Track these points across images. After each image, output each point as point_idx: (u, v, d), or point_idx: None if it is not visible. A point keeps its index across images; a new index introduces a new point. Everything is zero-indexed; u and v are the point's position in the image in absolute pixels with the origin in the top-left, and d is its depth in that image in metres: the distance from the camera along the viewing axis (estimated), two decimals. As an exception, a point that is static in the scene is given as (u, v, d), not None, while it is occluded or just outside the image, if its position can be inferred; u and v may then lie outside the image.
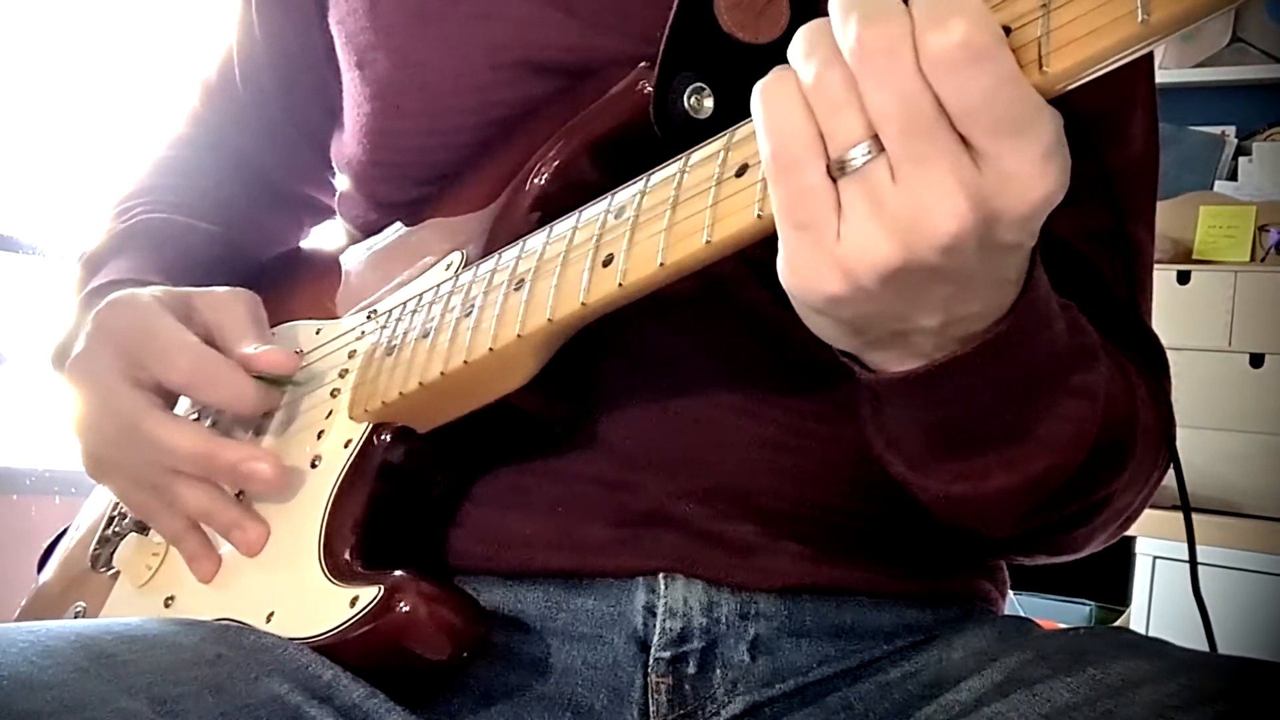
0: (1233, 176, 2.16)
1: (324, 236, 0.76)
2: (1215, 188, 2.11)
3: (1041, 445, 0.46)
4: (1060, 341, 0.45)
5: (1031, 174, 0.35)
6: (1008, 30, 0.35)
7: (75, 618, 0.64)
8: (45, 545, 0.72)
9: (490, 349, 0.49)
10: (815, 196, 0.37)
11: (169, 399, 0.57)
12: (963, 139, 0.35)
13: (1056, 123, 0.35)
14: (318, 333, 0.62)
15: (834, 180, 0.37)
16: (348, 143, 0.63)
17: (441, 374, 0.51)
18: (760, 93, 0.38)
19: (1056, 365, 0.45)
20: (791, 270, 0.39)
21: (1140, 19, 0.32)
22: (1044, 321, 0.43)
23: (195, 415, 0.62)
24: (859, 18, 0.35)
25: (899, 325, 0.40)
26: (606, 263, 0.46)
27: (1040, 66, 0.34)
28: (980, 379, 0.42)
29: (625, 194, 0.47)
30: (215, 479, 0.56)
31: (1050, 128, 0.35)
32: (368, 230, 0.65)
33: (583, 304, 0.46)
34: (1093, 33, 0.33)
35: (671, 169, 0.46)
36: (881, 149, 0.36)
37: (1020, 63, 0.35)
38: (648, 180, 0.47)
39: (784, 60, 0.38)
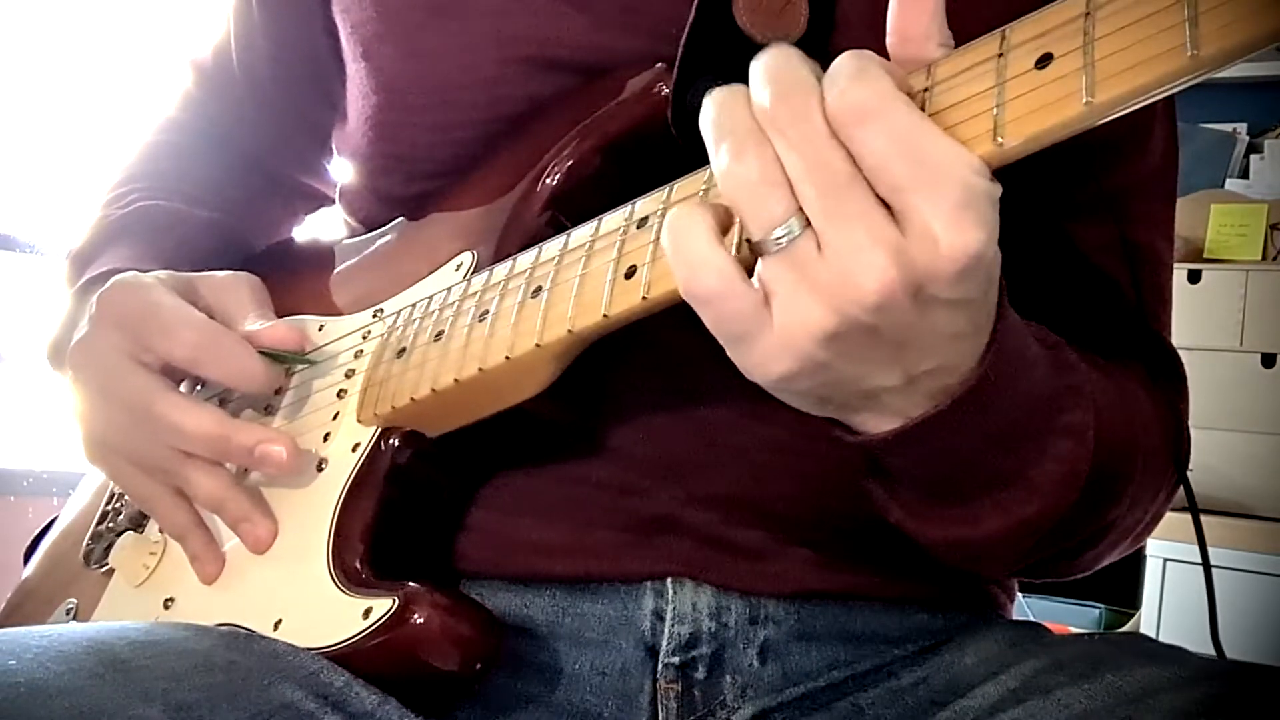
0: (1244, 174, 2.15)
1: (320, 227, 0.75)
2: (1226, 186, 2.10)
3: (1033, 488, 0.46)
4: (1043, 385, 0.45)
5: (947, 228, 0.35)
6: (1050, 57, 0.35)
7: (67, 614, 0.63)
8: (30, 539, 0.71)
9: (507, 357, 0.49)
10: (739, 315, 0.38)
11: (176, 381, 0.56)
12: (884, 202, 0.36)
13: (973, 174, 0.35)
14: (320, 329, 0.61)
15: (755, 260, 0.38)
16: (351, 134, 0.62)
17: (456, 381, 0.51)
18: (669, 224, 0.39)
19: (1041, 409, 0.45)
20: (740, 364, 0.40)
21: (1189, 53, 0.32)
22: (1019, 369, 0.43)
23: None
24: (774, 90, 0.37)
25: (861, 386, 0.40)
26: (629, 274, 0.45)
27: (1084, 97, 0.34)
28: (960, 432, 0.42)
29: (647, 204, 0.47)
30: (229, 461, 0.55)
31: (962, 179, 0.35)
32: (370, 224, 0.64)
33: (605, 315, 0.45)
34: (1139, 65, 0.33)
35: (695, 180, 0.45)
36: (805, 225, 0.37)
37: (1064, 92, 0.34)
38: (670, 190, 0.46)
39: None
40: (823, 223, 0.36)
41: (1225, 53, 0.32)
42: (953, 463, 0.44)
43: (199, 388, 0.62)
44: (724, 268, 0.38)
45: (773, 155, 0.37)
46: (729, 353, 0.40)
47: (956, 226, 0.35)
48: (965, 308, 0.38)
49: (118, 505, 0.66)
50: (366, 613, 0.48)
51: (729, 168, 0.38)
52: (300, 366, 0.59)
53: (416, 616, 0.47)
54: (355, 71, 0.61)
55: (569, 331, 0.47)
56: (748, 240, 0.38)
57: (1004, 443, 0.44)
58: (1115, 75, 0.33)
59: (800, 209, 0.37)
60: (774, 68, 0.38)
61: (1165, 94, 0.34)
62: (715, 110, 0.38)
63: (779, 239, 0.37)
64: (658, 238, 0.44)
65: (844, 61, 0.37)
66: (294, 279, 0.66)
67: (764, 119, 0.37)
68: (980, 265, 0.36)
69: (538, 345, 0.48)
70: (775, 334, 0.38)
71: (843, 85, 0.36)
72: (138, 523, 0.63)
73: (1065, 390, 0.46)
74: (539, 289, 0.49)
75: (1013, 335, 0.42)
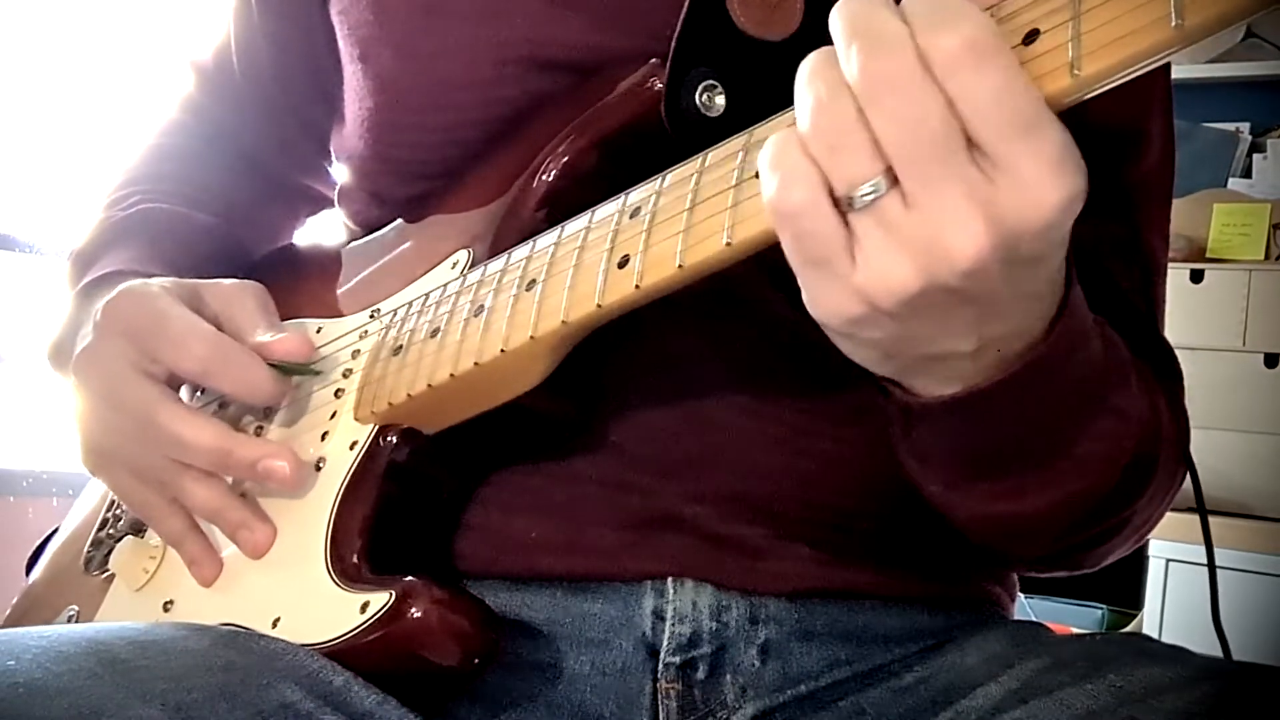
0: (1247, 174, 2.15)
1: (320, 231, 0.75)
2: (1229, 185, 2.10)
3: (1080, 464, 0.46)
4: (1097, 360, 0.45)
5: (1045, 177, 0.34)
6: (1037, 32, 0.35)
7: (69, 621, 0.63)
8: (34, 547, 0.71)
9: (502, 350, 0.49)
10: (821, 238, 0.36)
11: (176, 387, 0.56)
12: (974, 154, 0.34)
13: (1064, 127, 0.35)
14: (318, 331, 0.61)
15: (843, 214, 0.36)
16: (349, 136, 0.62)
17: (451, 375, 0.51)
18: (769, 140, 0.38)
19: (1094, 384, 0.45)
20: (810, 300, 0.39)
21: (1174, 23, 0.32)
22: (1082, 342, 0.43)
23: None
24: (861, 49, 0.35)
25: (930, 348, 0.40)
26: (622, 264, 0.45)
27: (1072, 69, 0.34)
28: (1020, 402, 0.42)
29: (640, 194, 0.47)
30: (230, 475, 0.55)
31: (1059, 129, 0.35)
32: (368, 226, 0.64)
33: (598, 305, 0.46)
34: (1126, 36, 0.33)
35: (688, 168, 0.45)
36: (892, 183, 0.35)
37: (1052, 66, 0.34)
38: (663, 180, 0.46)
39: (797, 57, 0.38)
40: (915, 184, 0.35)
41: (1209, 23, 0.32)
42: (1001, 434, 0.44)
43: (199, 393, 0.61)
44: (816, 183, 0.36)
45: (857, 109, 0.35)
46: (802, 283, 0.38)
47: (1057, 174, 0.34)
48: (1045, 265, 0.38)
49: (118, 512, 0.66)
50: (364, 607, 0.48)
51: (814, 120, 0.36)
52: (309, 377, 0.59)
53: (414, 610, 0.47)
54: (352, 73, 0.61)
55: (563, 322, 0.47)
56: (832, 195, 0.36)
57: (1056, 417, 0.44)
58: (1101, 48, 0.34)
59: (889, 167, 0.35)
60: (855, 19, 0.35)
61: (1151, 66, 0.34)
62: (810, 67, 0.36)
63: (865, 195, 0.36)
64: (650, 227, 0.45)
65: (934, 2, 0.35)
66: (293, 283, 0.66)
67: (855, 82, 0.35)
68: (1071, 214, 0.35)
69: (532, 337, 0.48)
70: (856, 278, 0.36)
71: (953, 25, 0.34)
72: (138, 528, 0.63)
73: (1115, 368, 0.46)
74: (533, 282, 0.49)
75: (1080, 308, 0.42)
